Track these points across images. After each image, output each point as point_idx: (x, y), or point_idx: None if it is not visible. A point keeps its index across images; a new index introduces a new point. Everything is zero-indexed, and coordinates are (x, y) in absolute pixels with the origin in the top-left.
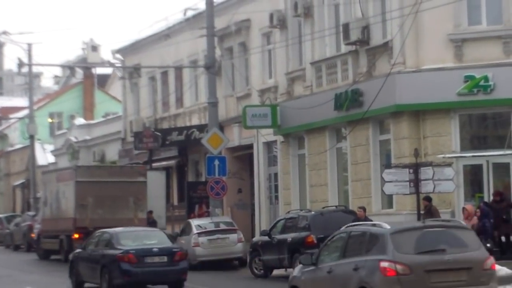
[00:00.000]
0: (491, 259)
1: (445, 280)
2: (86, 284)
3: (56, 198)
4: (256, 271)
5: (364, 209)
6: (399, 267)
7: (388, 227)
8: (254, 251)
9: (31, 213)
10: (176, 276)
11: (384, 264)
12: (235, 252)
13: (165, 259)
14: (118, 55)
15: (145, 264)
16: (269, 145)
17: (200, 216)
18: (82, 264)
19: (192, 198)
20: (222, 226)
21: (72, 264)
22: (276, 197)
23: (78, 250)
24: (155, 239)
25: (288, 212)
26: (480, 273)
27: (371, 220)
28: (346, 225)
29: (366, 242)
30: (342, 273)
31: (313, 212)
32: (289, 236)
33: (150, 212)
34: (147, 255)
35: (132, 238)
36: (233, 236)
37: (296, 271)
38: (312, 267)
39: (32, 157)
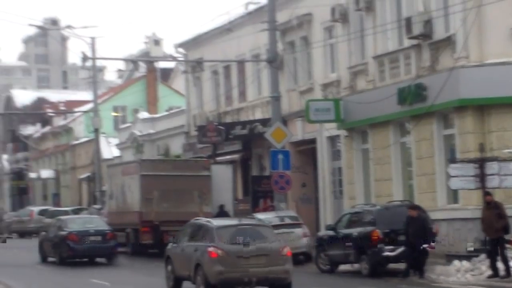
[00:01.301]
0: (287, 248)
1: (249, 263)
2: (49, 259)
3: (121, 192)
4: (322, 266)
5: (416, 207)
6: (219, 251)
7: (216, 224)
8: (320, 245)
9: (97, 206)
10: (108, 251)
11: (210, 249)
12: (300, 246)
13: (99, 238)
14: (180, 49)
15: (84, 242)
16: (332, 139)
17: (264, 210)
18: (45, 243)
19: (256, 192)
20: (287, 221)
21: (40, 244)
22: (341, 192)
23: (43, 233)
24: (94, 223)
25: (354, 206)
26: (277, 257)
27: (424, 219)
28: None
29: (203, 232)
30: (188, 252)
31: (378, 207)
32: (355, 231)
33: (221, 206)
34: (86, 235)
35: (77, 223)
36: (298, 231)
37: (170, 246)
38: (175, 245)
39: (97, 150)
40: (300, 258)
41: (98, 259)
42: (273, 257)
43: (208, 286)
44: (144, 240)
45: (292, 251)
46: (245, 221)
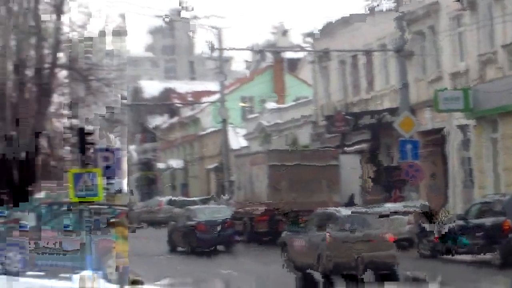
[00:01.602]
0: (389, 234)
1: (355, 247)
2: (179, 248)
3: (249, 182)
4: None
5: None
6: (330, 238)
7: (344, 213)
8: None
9: (226, 196)
10: (227, 239)
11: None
12: (403, 233)
13: (221, 227)
14: (308, 39)
15: (213, 232)
16: (462, 129)
17: (395, 200)
18: (174, 233)
19: (388, 182)
20: (399, 209)
21: (170, 234)
22: (471, 181)
23: (172, 223)
24: (221, 213)
25: (485, 196)
26: (381, 243)
27: None
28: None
29: (330, 222)
30: (314, 241)
31: (508, 197)
32: (486, 221)
33: (352, 196)
34: (214, 225)
35: (205, 212)
36: (405, 218)
37: (284, 234)
38: (296, 232)
39: (225, 141)
40: (403, 244)
41: (218, 247)
42: (377, 242)
43: (324, 272)
44: (259, 228)
45: (395, 237)
46: (354, 210)
